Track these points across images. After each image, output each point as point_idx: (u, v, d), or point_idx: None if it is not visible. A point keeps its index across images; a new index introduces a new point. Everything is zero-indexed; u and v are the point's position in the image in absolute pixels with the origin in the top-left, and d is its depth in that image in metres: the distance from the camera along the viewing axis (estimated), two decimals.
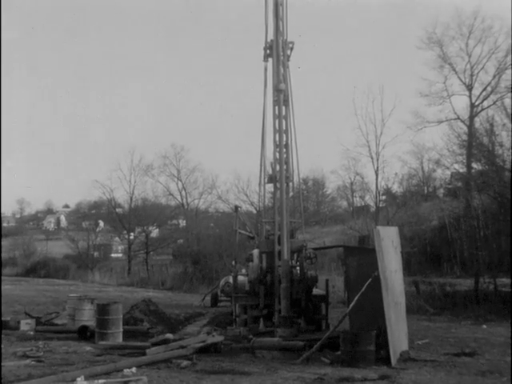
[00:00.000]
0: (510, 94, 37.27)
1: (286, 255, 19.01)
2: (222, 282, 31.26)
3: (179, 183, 67.97)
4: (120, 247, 78.68)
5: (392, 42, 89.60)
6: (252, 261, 20.78)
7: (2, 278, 49.57)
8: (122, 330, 17.74)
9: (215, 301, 31.18)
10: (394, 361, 14.06)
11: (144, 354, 14.58)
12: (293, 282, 18.99)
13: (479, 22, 41.71)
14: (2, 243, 71.71)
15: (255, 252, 20.82)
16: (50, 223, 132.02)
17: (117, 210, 69.45)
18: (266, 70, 20.58)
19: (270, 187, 22.12)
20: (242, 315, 19.56)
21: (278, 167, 19.78)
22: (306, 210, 60.95)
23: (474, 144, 37.42)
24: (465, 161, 38.46)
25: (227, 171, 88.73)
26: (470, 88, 42.36)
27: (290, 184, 20.51)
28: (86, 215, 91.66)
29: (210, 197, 68.01)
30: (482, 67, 41.87)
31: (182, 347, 15.08)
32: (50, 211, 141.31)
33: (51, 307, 26.72)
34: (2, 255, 70.83)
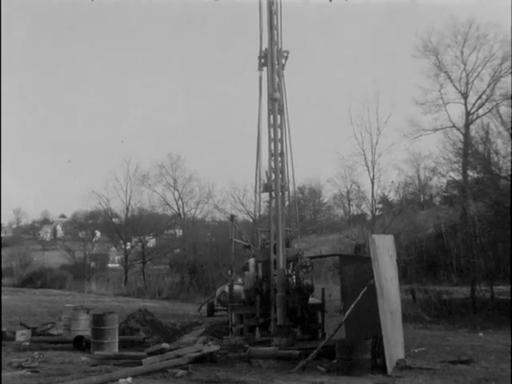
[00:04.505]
0: (505, 102, 37.36)
1: (281, 264, 18.99)
2: (219, 291, 31.24)
3: (176, 193, 67.92)
4: (117, 257, 78.56)
5: (387, 51, 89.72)
6: (248, 270, 20.78)
7: None
8: (117, 339, 17.72)
9: (211, 310, 31.13)
10: (390, 369, 14.04)
11: (140, 363, 14.54)
12: (289, 290, 18.97)
13: (474, 29, 41.88)
14: None
15: (251, 261, 20.82)
16: (46, 233, 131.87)
17: (113, 219, 69.35)
18: (260, 79, 20.64)
19: (266, 196, 22.12)
20: (238, 324, 19.52)
21: (273, 176, 19.79)
22: (303, 218, 60.96)
23: (470, 152, 37.49)
24: (461, 169, 38.51)
25: (223, 180, 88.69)
26: (465, 96, 42.44)
27: (286, 193, 20.49)
28: (82, 225, 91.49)
29: (206, 206, 67.94)
30: (477, 75, 41.97)
31: (178, 357, 15.06)
32: (46, 221, 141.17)
33: (47, 317, 26.68)
34: None
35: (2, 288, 53.74)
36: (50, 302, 40.57)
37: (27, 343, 19.21)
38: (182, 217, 68.61)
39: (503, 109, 36.65)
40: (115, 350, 17.42)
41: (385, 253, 15.62)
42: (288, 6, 20.59)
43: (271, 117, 20.01)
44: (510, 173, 30.01)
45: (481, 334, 22.54)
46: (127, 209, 66.13)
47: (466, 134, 40.49)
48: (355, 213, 62.10)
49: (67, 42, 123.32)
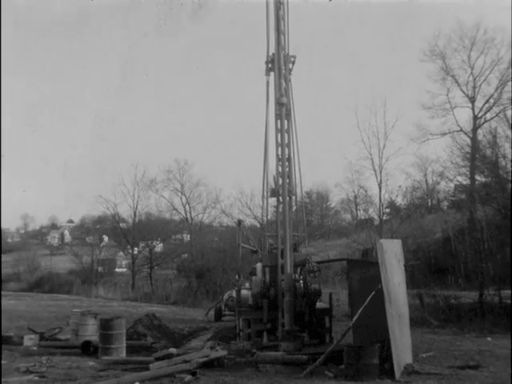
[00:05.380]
0: None
1: (289, 269, 18.98)
2: (226, 296, 31.17)
3: (183, 198, 67.92)
4: (124, 262, 78.67)
5: (394, 55, 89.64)
6: (255, 275, 20.76)
7: (7, 293, 49.69)
8: (125, 344, 17.71)
9: (219, 315, 31.08)
10: (397, 374, 14.01)
11: (147, 368, 14.56)
12: (296, 295, 18.95)
13: (481, 33, 41.95)
14: (7, 258, 71.87)
15: (258, 266, 20.80)
16: (54, 238, 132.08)
17: (121, 224, 69.38)
18: (267, 83, 20.64)
19: (273, 201, 22.08)
20: (246, 329, 19.49)
21: (280, 181, 19.78)
22: (310, 223, 61.04)
23: (478, 156, 37.48)
24: (468, 173, 38.51)
25: (231, 185, 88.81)
26: (472, 100, 42.51)
27: (293, 198, 20.46)
28: (90, 230, 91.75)
29: (213, 211, 67.97)
30: (485, 79, 42.07)
31: (186, 362, 15.04)
32: (54, 226, 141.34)
33: (55, 322, 26.68)
34: (7, 271, 71.01)
35: (10, 293, 54.03)
36: (58, 306, 40.61)
37: (35, 348, 19.25)
38: (190, 222, 68.64)
39: (511, 112, 36.65)
40: (123, 354, 17.43)
41: (392, 257, 15.60)
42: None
43: (278, 122, 20.00)
44: None
45: (489, 339, 22.43)
46: (135, 214, 66.21)
47: (474, 138, 40.53)
48: (363, 217, 62.07)
49: (72, 43, 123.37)
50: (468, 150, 39.85)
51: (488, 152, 34.90)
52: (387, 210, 54.79)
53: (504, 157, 32.37)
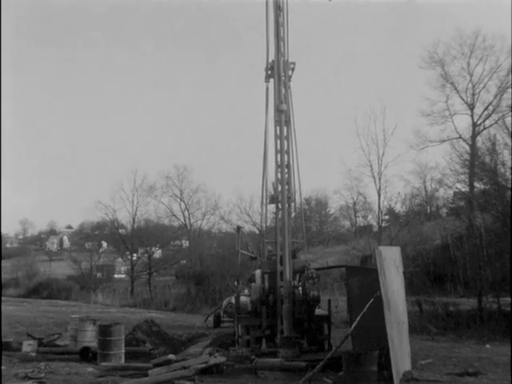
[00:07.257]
0: (511, 113, 37.38)
1: (288, 275, 18.97)
2: (225, 302, 31.18)
3: (182, 204, 68.00)
4: (123, 268, 78.77)
5: (393, 62, 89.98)
6: (254, 281, 20.74)
7: (6, 299, 49.63)
8: (124, 350, 17.68)
9: (218, 321, 31.07)
10: (396, 381, 13.98)
11: (146, 374, 14.56)
12: (295, 302, 18.94)
13: (480, 41, 42.06)
14: (6, 264, 71.83)
15: (257, 272, 20.77)
16: (52, 244, 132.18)
17: (120, 230, 69.37)
18: (267, 90, 20.65)
19: (272, 207, 22.07)
20: (245, 336, 19.45)
21: (279, 187, 19.78)
22: (309, 230, 60.96)
23: (477, 163, 37.45)
24: (467, 180, 38.47)
25: (230, 192, 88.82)
26: (471, 107, 42.59)
27: (292, 204, 20.45)
28: (88, 236, 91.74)
29: (212, 217, 68.13)
30: (484, 86, 42.15)
31: (184, 368, 15.03)
32: (52, 232, 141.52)
33: (53, 328, 26.69)
34: (5, 276, 70.96)
35: (9, 299, 53.97)
36: (57, 312, 40.58)
37: (33, 354, 19.20)
38: (189, 228, 68.70)
39: (510, 120, 36.68)
40: (121, 361, 17.41)
41: (391, 264, 15.59)
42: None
43: (278, 128, 20.02)
44: None
45: (488, 346, 22.42)
46: (133, 220, 66.30)
47: (473, 146, 40.58)
48: (362, 224, 62.09)
49: (74, 48, 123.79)
50: (467, 157, 39.87)
51: (487, 159, 34.91)
52: (386, 217, 54.91)
53: (503, 164, 32.38)
